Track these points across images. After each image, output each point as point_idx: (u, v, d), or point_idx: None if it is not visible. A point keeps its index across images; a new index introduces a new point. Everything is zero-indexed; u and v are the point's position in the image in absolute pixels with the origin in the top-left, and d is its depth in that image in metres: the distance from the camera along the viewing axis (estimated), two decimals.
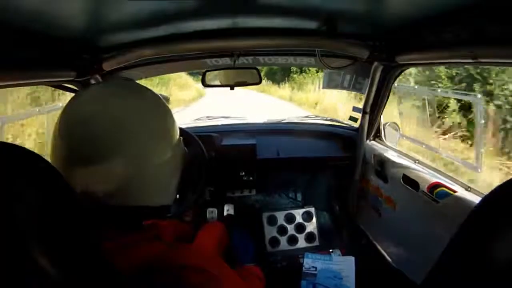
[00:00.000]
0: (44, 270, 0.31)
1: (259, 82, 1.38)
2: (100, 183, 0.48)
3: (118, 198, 0.50)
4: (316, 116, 1.97)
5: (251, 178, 1.53)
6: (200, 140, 1.33)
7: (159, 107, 0.56)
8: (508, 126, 4.34)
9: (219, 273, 0.52)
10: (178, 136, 0.59)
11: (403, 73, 1.27)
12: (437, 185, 0.99)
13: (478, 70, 4.97)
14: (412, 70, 5.02)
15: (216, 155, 1.45)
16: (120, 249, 0.47)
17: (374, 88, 1.32)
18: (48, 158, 0.47)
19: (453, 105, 4.81)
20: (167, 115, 0.56)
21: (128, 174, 0.49)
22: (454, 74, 5.37)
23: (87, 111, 0.50)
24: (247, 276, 0.86)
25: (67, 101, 0.54)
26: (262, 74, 1.72)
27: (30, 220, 0.31)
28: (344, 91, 1.61)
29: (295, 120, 1.88)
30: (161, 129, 0.54)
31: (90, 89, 0.56)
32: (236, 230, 1.15)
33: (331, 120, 1.84)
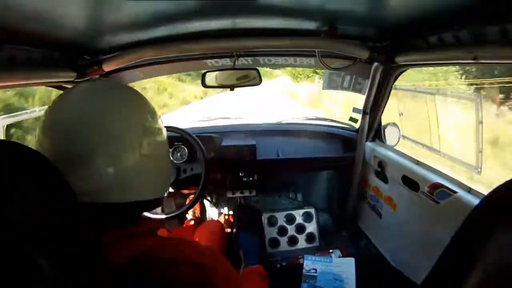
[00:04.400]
0: (43, 269, 0.31)
1: (259, 83, 1.38)
2: (83, 181, 0.48)
3: (104, 196, 0.50)
4: (316, 117, 1.97)
5: (251, 178, 1.53)
6: (200, 141, 1.33)
7: (137, 104, 0.56)
8: None
9: (213, 266, 0.52)
10: (158, 129, 0.59)
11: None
12: (437, 185, 0.99)
13: None
14: None
15: (216, 155, 1.45)
16: (114, 243, 0.47)
17: (374, 89, 1.32)
18: None
19: None
20: (145, 111, 0.57)
21: (110, 171, 0.50)
22: None
23: (66, 111, 0.51)
24: (249, 275, 0.86)
25: None
26: None
27: (29, 218, 0.31)
28: None
29: (295, 121, 1.88)
30: (140, 125, 0.54)
31: (71, 91, 0.56)
32: (243, 231, 1.16)
33: (331, 120, 1.84)
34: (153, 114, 0.58)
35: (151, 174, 0.56)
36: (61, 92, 0.57)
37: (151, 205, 0.58)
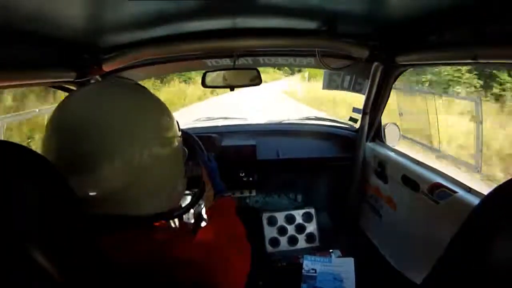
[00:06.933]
0: (44, 270, 0.31)
1: (259, 83, 1.38)
2: (90, 186, 0.48)
3: (113, 206, 0.49)
4: (316, 117, 1.96)
5: (251, 178, 1.53)
6: (200, 141, 1.33)
7: (152, 107, 0.55)
8: None
9: (215, 264, 0.52)
10: (175, 135, 0.58)
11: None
12: (437, 185, 0.99)
13: None
14: None
15: (216, 156, 1.45)
16: (119, 244, 0.47)
17: (374, 89, 1.32)
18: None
19: None
20: (161, 115, 0.55)
21: (119, 177, 0.48)
22: None
23: (76, 113, 0.49)
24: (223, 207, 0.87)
25: None
26: None
27: (30, 219, 0.31)
28: None
29: (295, 121, 1.88)
30: (153, 129, 0.53)
31: (80, 91, 0.56)
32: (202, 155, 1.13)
33: (331, 120, 1.84)
34: (167, 116, 0.56)
35: (162, 181, 0.54)
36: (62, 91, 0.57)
37: (163, 217, 0.56)
